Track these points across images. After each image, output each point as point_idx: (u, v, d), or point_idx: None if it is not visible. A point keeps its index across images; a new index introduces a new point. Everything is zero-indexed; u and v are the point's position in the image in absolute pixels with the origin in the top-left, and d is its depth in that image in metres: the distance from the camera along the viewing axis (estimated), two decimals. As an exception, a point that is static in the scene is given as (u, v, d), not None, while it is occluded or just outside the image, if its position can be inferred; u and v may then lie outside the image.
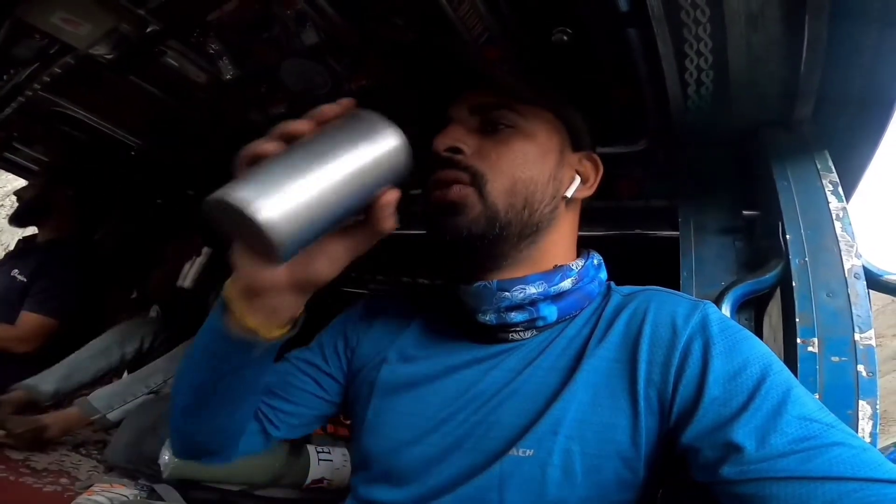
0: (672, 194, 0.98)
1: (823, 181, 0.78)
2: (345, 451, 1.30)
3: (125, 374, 1.76)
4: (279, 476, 1.17)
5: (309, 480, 1.20)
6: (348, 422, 1.41)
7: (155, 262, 2.06)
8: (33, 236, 1.96)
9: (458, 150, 0.60)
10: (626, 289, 0.64)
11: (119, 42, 1.10)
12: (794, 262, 0.73)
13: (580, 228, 0.69)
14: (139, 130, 1.66)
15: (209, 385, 0.57)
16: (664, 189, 1.04)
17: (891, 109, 0.78)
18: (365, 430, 0.63)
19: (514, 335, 0.61)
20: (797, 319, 0.69)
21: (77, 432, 1.47)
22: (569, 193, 0.63)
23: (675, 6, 0.65)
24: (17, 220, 1.88)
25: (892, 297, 0.76)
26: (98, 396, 1.50)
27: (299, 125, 0.46)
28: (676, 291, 0.64)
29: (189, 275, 1.88)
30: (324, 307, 0.60)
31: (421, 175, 0.60)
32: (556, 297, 0.60)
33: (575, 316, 0.61)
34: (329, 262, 0.50)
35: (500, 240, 0.59)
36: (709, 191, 0.90)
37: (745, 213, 0.84)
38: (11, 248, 2.07)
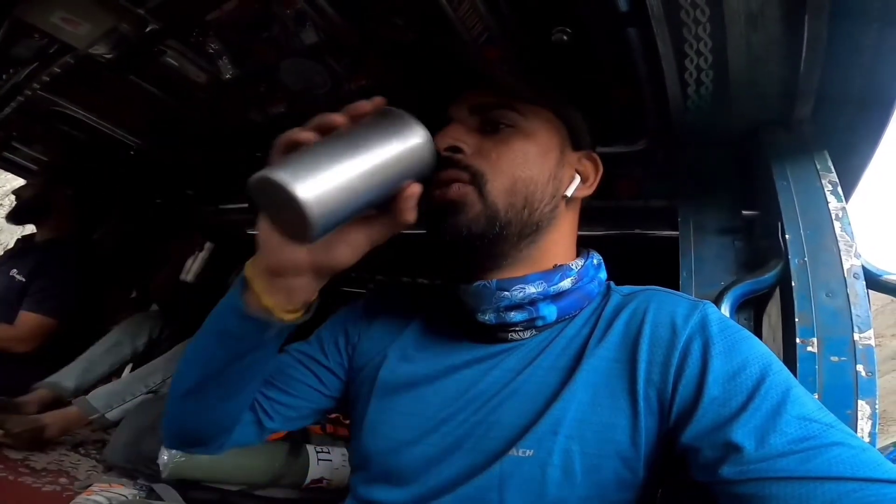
0: (671, 194, 0.99)
1: (823, 181, 0.78)
2: (344, 451, 1.30)
3: (125, 373, 1.76)
4: (278, 476, 1.17)
5: (308, 480, 1.20)
6: (347, 422, 1.41)
7: (157, 262, 2.06)
8: (32, 235, 1.96)
9: (457, 150, 0.60)
10: (626, 289, 0.64)
11: (118, 42, 1.10)
12: (794, 262, 0.73)
13: (580, 228, 0.69)
14: (138, 130, 1.66)
15: (217, 365, 0.57)
16: (664, 189, 1.04)
17: (890, 109, 0.78)
18: (365, 429, 0.63)
19: (514, 335, 0.61)
20: (796, 319, 0.69)
21: (76, 432, 1.47)
22: (569, 193, 0.63)
23: (675, 6, 0.65)
24: (14, 217, 1.87)
25: (891, 297, 0.76)
26: (97, 396, 1.51)
27: (336, 118, 0.49)
28: (676, 291, 0.64)
29: (192, 269, 1.89)
30: (323, 306, 0.60)
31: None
32: (556, 296, 0.60)
33: (574, 316, 0.61)
34: (349, 248, 0.53)
35: (500, 239, 0.59)
36: (708, 191, 0.90)
37: (744, 212, 0.84)
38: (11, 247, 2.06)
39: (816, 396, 0.63)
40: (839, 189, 0.77)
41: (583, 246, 0.68)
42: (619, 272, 0.69)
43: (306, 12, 0.99)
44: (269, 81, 1.22)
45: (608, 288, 0.65)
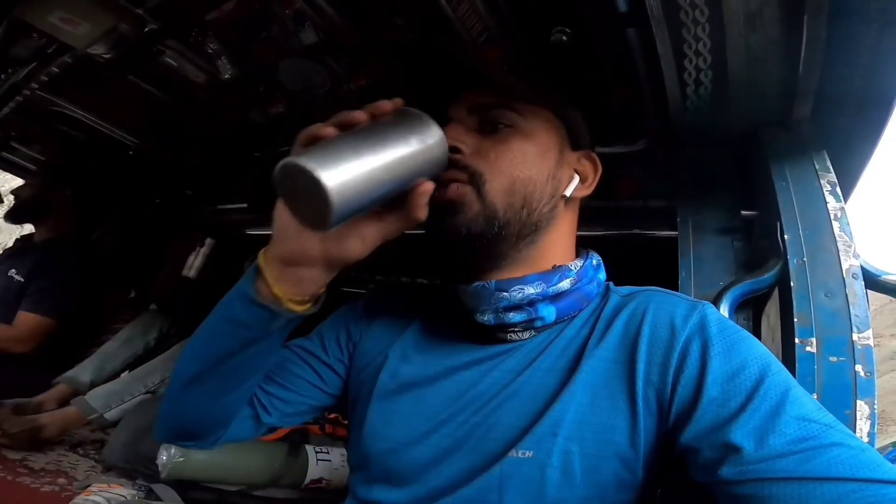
0: (671, 194, 0.98)
1: (822, 181, 0.78)
2: (343, 451, 1.30)
3: (125, 372, 1.76)
4: (277, 476, 1.17)
5: (307, 480, 1.20)
6: (346, 422, 1.41)
7: (157, 261, 2.06)
8: (31, 235, 1.95)
9: (456, 150, 0.60)
10: (625, 289, 0.64)
11: (117, 41, 1.10)
12: (793, 262, 0.73)
13: (579, 228, 0.69)
14: (137, 130, 1.66)
15: (222, 354, 0.58)
16: (663, 189, 1.04)
17: (889, 109, 0.78)
18: (365, 430, 0.63)
19: (513, 335, 0.61)
20: (795, 319, 0.69)
21: (74, 432, 1.47)
22: (568, 192, 0.63)
23: (674, 6, 0.65)
24: (12, 216, 1.87)
25: (889, 298, 0.76)
26: (95, 396, 1.50)
27: (357, 115, 0.51)
28: (675, 292, 0.64)
29: (194, 265, 1.89)
30: (323, 306, 0.61)
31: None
32: (555, 297, 0.60)
33: (574, 317, 0.61)
34: (360, 242, 0.54)
35: (499, 239, 0.59)
36: (707, 191, 0.90)
37: (743, 213, 0.84)
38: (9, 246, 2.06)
39: (815, 396, 0.63)
40: (838, 189, 0.77)
41: (582, 246, 0.68)
42: (618, 272, 0.69)
43: (306, 12, 0.99)
44: (269, 81, 1.22)
45: (607, 288, 0.65)
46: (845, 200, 0.76)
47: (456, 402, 0.59)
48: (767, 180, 0.81)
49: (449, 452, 0.57)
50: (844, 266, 0.70)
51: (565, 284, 0.60)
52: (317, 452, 1.24)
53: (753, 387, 0.48)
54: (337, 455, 1.27)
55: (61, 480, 1.16)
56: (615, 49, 0.82)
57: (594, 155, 0.68)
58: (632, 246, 1.15)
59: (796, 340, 0.67)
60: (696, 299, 0.59)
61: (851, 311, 0.67)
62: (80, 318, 1.82)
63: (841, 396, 0.63)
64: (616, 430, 0.53)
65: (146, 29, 1.07)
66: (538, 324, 0.60)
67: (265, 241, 0.56)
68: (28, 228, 1.97)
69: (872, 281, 0.71)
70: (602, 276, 0.66)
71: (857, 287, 0.69)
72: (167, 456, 1.07)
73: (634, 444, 0.52)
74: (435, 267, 1.26)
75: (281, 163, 0.46)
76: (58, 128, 1.68)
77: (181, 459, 1.05)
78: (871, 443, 0.61)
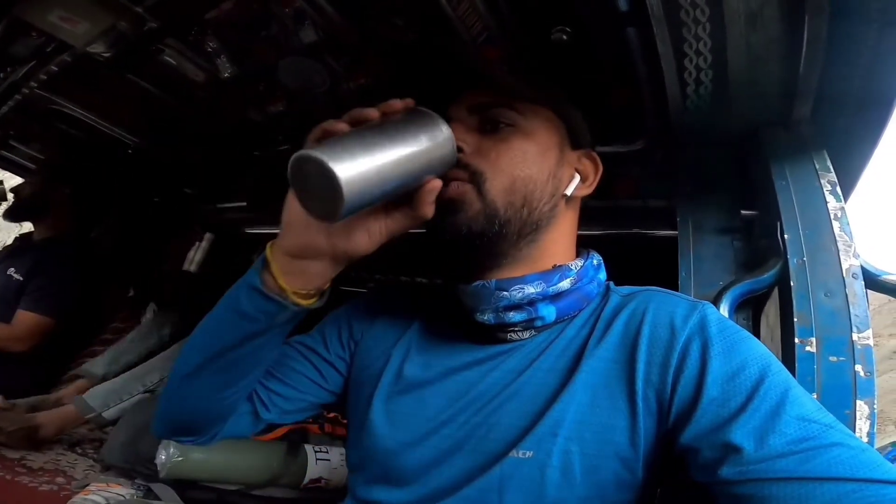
0: (670, 194, 0.98)
1: (822, 181, 0.78)
2: (342, 450, 1.30)
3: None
4: (276, 476, 1.16)
5: (307, 480, 1.20)
6: (346, 421, 1.40)
7: (157, 260, 2.05)
8: (30, 234, 1.95)
9: (457, 149, 0.60)
10: (625, 289, 0.64)
11: (117, 40, 1.09)
12: (793, 262, 0.73)
13: (578, 228, 0.69)
14: (137, 128, 1.66)
15: (225, 346, 0.58)
16: (662, 188, 1.04)
17: (889, 109, 0.78)
18: (366, 430, 0.63)
19: (513, 335, 0.61)
20: (795, 319, 0.69)
21: (73, 431, 1.46)
22: (568, 192, 0.63)
23: (675, 5, 0.65)
24: (12, 215, 1.87)
25: (889, 297, 0.76)
26: (94, 395, 1.50)
27: (370, 112, 0.52)
28: (675, 292, 0.64)
29: (195, 259, 1.89)
30: (322, 307, 0.61)
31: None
32: (555, 297, 0.60)
33: (574, 316, 0.61)
34: (367, 237, 0.55)
35: (500, 238, 0.59)
36: (707, 190, 0.90)
37: (743, 212, 0.84)
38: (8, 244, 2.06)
39: (815, 396, 0.63)
40: (838, 189, 0.77)
41: (581, 246, 0.68)
42: (618, 272, 0.69)
43: (305, 11, 0.98)
44: (268, 80, 1.22)
45: (607, 288, 0.65)
46: (845, 200, 0.76)
47: (456, 402, 0.59)
48: (767, 180, 0.81)
49: (450, 453, 0.57)
50: (844, 266, 0.70)
51: (565, 284, 0.60)
52: (316, 452, 1.24)
53: (753, 387, 0.48)
54: (336, 454, 1.27)
55: (60, 480, 1.16)
56: (615, 48, 0.82)
57: (595, 154, 0.68)
58: (631, 245, 1.15)
59: (796, 340, 0.67)
60: (696, 299, 0.59)
61: (851, 310, 0.67)
62: (79, 317, 1.81)
63: (841, 396, 0.63)
64: (616, 430, 0.53)
65: (145, 27, 1.07)
66: (538, 323, 0.60)
67: (265, 239, 0.56)
68: (27, 227, 1.97)
69: (872, 281, 0.71)
70: (602, 275, 0.65)
71: (857, 287, 0.69)
72: (166, 455, 1.06)
73: (634, 444, 0.52)
74: (435, 266, 1.26)
75: (294, 155, 0.47)
76: (57, 126, 1.67)
77: (180, 459, 1.05)
78: (871, 443, 0.61)
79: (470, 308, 0.61)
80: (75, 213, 1.93)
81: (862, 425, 0.61)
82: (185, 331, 1.81)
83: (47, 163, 1.93)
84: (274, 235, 0.58)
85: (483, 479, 0.53)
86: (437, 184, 0.54)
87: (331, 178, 0.45)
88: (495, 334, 0.61)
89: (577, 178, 0.65)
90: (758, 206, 0.83)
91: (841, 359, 0.65)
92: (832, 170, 0.79)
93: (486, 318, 0.59)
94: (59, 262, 1.78)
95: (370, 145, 0.48)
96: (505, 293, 0.59)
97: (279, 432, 1.24)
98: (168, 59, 1.19)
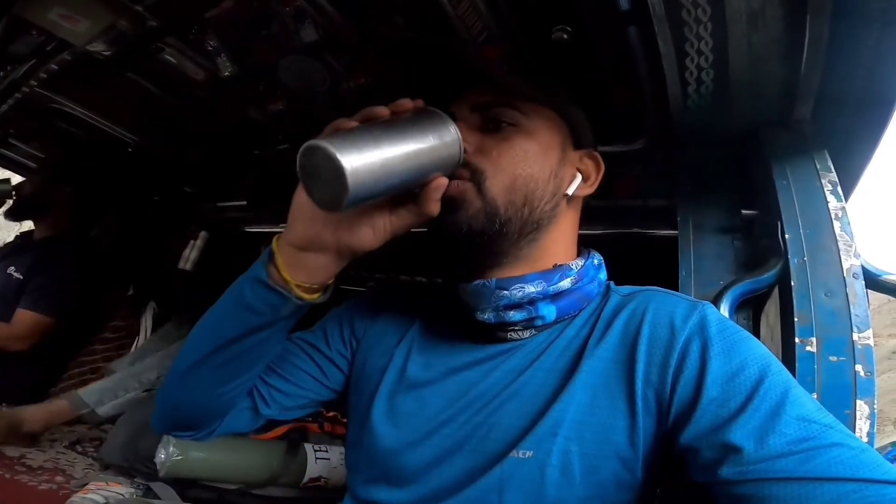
0: (671, 193, 0.98)
1: (822, 181, 0.78)
2: (342, 449, 1.30)
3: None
4: (276, 475, 1.16)
5: (306, 479, 1.20)
6: (346, 420, 1.40)
7: (157, 259, 2.05)
8: (30, 232, 1.95)
9: None
10: (626, 289, 0.64)
11: (117, 39, 1.09)
12: (793, 262, 0.73)
13: (579, 227, 0.68)
14: (137, 127, 1.66)
15: (228, 339, 0.59)
16: (663, 188, 1.04)
17: (890, 109, 0.77)
18: (366, 429, 0.63)
19: (513, 334, 0.61)
20: (796, 319, 0.69)
21: (72, 429, 1.46)
22: (570, 191, 0.63)
23: (676, 5, 0.65)
24: (13, 213, 1.87)
25: (888, 297, 0.76)
26: (89, 391, 1.48)
27: (380, 110, 0.54)
28: (675, 292, 0.64)
29: (190, 258, 1.88)
30: (323, 305, 0.61)
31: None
32: (555, 296, 0.60)
33: (574, 316, 0.61)
34: (371, 232, 0.55)
35: (500, 237, 0.59)
36: (708, 190, 0.90)
37: (743, 212, 0.84)
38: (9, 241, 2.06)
39: (815, 396, 0.63)
40: (839, 189, 0.77)
41: (581, 245, 0.68)
42: (618, 271, 0.69)
43: (306, 10, 0.98)
44: (268, 79, 1.22)
45: (608, 288, 0.65)
46: (846, 200, 0.76)
47: (457, 402, 0.59)
48: (768, 180, 0.80)
49: (450, 453, 0.57)
50: (845, 266, 0.70)
51: (566, 283, 0.60)
52: (316, 451, 1.24)
53: (753, 387, 0.48)
54: (336, 453, 1.27)
55: (59, 478, 1.16)
56: (616, 48, 0.82)
57: (597, 154, 0.68)
58: (631, 245, 1.15)
59: (796, 340, 0.67)
60: (696, 299, 0.59)
61: (852, 310, 0.67)
62: (79, 317, 1.81)
63: (841, 396, 0.63)
64: (615, 430, 0.53)
65: (146, 26, 1.07)
66: (538, 322, 0.60)
67: (265, 238, 0.57)
68: (26, 225, 1.97)
69: (873, 281, 0.71)
70: (603, 275, 0.65)
71: (857, 287, 0.69)
72: (165, 454, 1.06)
73: (634, 444, 0.52)
74: (436, 265, 1.26)
75: (304, 144, 0.48)
76: (57, 125, 1.67)
77: (179, 458, 1.05)
78: (871, 443, 0.61)
79: (470, 307, 0.61)
80: (76, 212, 1.93)
81: (862, 425, 0.61)
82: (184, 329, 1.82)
83: (48, 161, 1.93)
84: (274, 234, 0.58)
85: (483, 479, 0.53)
86: (442, 181, 0.55)
87: (336, 167, 0.46)
88: (495, 333, 0.61)
89: (579, 177, 0.65)
90: (758, 206, 0.83)
91: (841, 359, 0.65)
92: (833, 169, 0.79)
93: (486, 316, 0.59)
94: (59, 261, 1.78)
95: (378, 139, 0.49)
96: (505, 292, 0.59)
97: (279, 431, 1.24)
98: (168, 57, 1.19)
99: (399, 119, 0.54)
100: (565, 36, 0.83)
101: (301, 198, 0.54)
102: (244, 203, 1.80)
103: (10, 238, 2.07)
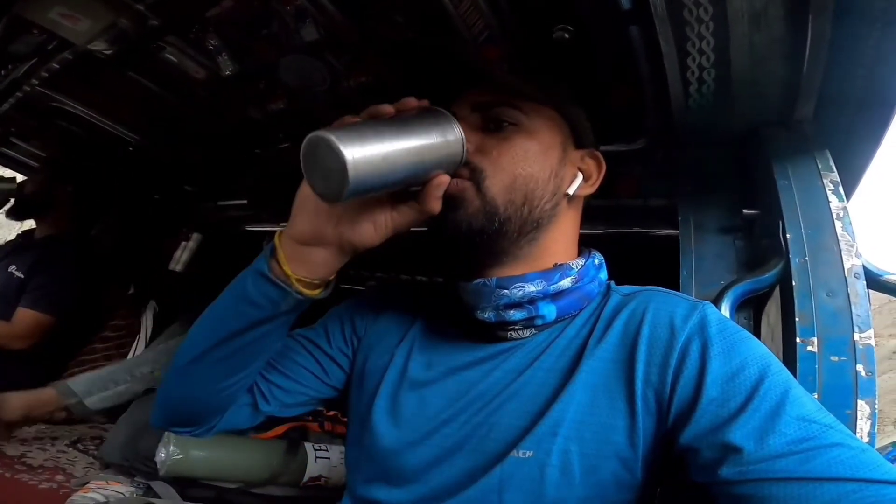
0: (671, 193, 0.98)
1: (824, 180, 0.77)
2: (342, 448, 1.30)
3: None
4: (276, 474, 1.16)
5: (306, 478, 1.20)
6: (346, 419, 1.40)
7: (157, 258, 2.05)
8: (31, 231, 1.95)
9: None
10: (626, 289, 0.64)
11: (117, 38, 1.09)
12: (794, 262, 0.73)
13: (580, 227, 0.68)
14: (137, 126, 1.66)
15: (229, 333, 0.59)
16: (663, 187, 1.03)
17: (892, 109, 0.77)
18: (367, 429, 0.63)
19: (513, 333, 0.61)
20: (797, 318, 0.68)
21: (72, 428, 1.46)
22: (571, 191, 0.63)
23: (678, 4, 0.65)
24: (14, 213, 1.87)
25: (889, 297, 0.76)
26: (78, 381, 1.45)
27: (386, 108, 0.54)
28: (676, 292, 0.63)
29: (181, 259, 1.87)
30: (324, 304, 0.61)
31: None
32: (556, 295, 0.60)
33: (575, 316, 0.61)
34: (373, 228, 0.56)
35: (500, 236, 0.59)
36: (709, 189, 0.90)
37: (745, 212, 0.84)
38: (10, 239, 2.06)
39: (816, 396, 0.63)
40: (840, 188, 0.77)
41: (582, 244, 0.68)
42: (619, 271, 0.69)
43: (306, 9, 0.98)
44: (269, 78, 1.22)
45: (608, 288, 0.65)
46: (847, 200, 0.76)
47: (457, 402, 0.59)
48: (769, 179, 0.80)
49: (450, 453, 0.57)
50: (846, 265, 0.70)
51: (566, 283, 0.60)
52: (315, 450, 1.24)
53: (753, 387, 0.48)
54: (336, 453, 1.27)
55: (59, 477, 1.16)
56: (617, 47, 0.82)
57: (598, 153, 0.68)
58: (632, 245, 1.15)
59: (797, 340, 0.67)
60: (696, 299, 0.59)
61: (853, 310, 0.67)
62: (79, 316, 1.81)
63: (842, 396, 0.63)
64: (615, 430, 0.53)
65: (146, 25, 1.07)
66: (538, 322, 0.60)
67: (265, 237, 0.57)
68: (27, 224, 1.97)
69: (874, 281, 0.71)
70: (604, 275, 0.65)
71: (858, 287, 0.69)
72: (165, 453, 1.06)
73: (633, 444, 0.52)
74: (436, 264, 1.26)
75: (308, 136, 0.49)
76: (58, 124, 1.67)
77: (180, 457, 1.05)
78: (871, 443, 0.61)
79: (470, 306, 0.61)
80: (77, 211, 1.93)
81: (863, 425, 0.61)
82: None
83: (49, 160, 1.93)
84: (274, 233, 0.58)
85: (483, 479, 0.53)
86: (444, 179, 0.55)
87: (338, 157, 0.46)
88: (496, 333, 0.61)
89: (580, 177, 0.65)
90: (759, 206, 0.83)
91: (842, 358, 0.65)
92: (834, 169, 0.79)
93: (486, 316, 0.59)
94: (59, 260, 1.78)
95: (381, 133, 0.50)
96: (505, 291, 0.59)
97: (279, 430, 1.24)
98: (169, 56, 1.19)
99: (406, 115, 0.55)
100: (566, 35, 0.83)
101: (304, 192, 0.55)
102: (245, 202, 1.80)
103: (12, 236, 2.07)
